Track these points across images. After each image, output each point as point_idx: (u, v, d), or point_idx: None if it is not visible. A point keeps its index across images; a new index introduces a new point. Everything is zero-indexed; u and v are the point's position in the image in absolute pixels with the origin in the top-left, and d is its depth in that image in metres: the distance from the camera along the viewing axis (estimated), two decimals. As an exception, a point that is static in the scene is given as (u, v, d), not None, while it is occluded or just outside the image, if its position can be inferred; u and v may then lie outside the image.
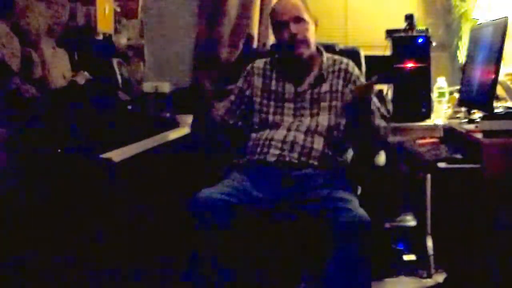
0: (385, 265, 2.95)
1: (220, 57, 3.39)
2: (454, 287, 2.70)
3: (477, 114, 2.55)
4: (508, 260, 2.11)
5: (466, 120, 2.58)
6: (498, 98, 2.73)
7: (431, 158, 2.31)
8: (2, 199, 1.66)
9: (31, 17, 2.22)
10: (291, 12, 2.33)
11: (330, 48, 2.58)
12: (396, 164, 2.72)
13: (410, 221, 3.09)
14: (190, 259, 2.09)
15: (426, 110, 3.03)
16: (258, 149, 2.30)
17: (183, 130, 2.80)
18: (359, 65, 2.65)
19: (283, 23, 2.33)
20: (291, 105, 2.37)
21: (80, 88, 2.37)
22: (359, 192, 2.32)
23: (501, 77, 2.59)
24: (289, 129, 2.31)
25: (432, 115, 3.04)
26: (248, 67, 2.49)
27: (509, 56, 2.92)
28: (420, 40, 3.05)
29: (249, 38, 3.40)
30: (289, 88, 2.39)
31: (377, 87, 3.11)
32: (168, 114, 2.90)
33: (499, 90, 2.69)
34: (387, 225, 3.07)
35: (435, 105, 3.07)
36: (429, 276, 2.95)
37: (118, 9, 3.02)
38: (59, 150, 1.88)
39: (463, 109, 2.82)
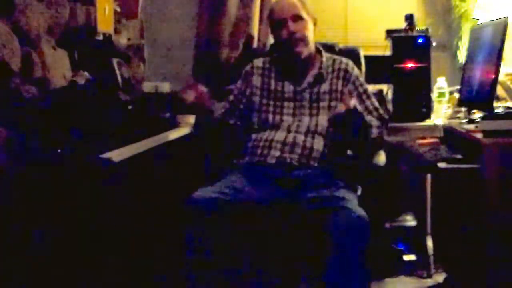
0: (385, 265, 2.94)
1: (220, 57, 3.39)
2: (454, 287, 2.70)
3: (477, 114, 2.55)
4: (508, 260, 2.11)
5: (466, 120, 2.58)
6: (498, 98, 2.73)
7: (431, 158, 2.31)
8: (2, 199, 1.66)
9: (31, 17, 2.22)
10: (289, 11, 2.33)
11: (330, 48, 2.58)
12: (396, 164, 2.72)
13: (410, 221, 3.09)
14: (187, 259, 2.09)
15: (426, 110, 3.03)
16: (258, 151, 2.30)
17: (183, 130, 2.80)
18: (358, 65, 2.65)
19: (282, 21, 2.33)
20: (291, 104, 2.37)
21: (80, 88, 2.37)
22: (359, 192, 2.32)
23: (501, 77, 2.59)
24: (289, 130, 2.31)
25: (432, 115, 3.04)
26: (248, 67, 2.49)
27: (509, 56, 2.92)
28: (420, 40, 3.05)
29: (249, 38, 3.40)
30: (288, 87, 2.39)
31: (377, 87, 3.12)
32: (168, 114, 2.89)
33: (499, 90, 2.69)
34: (387, 225, 3.06)
35: (435, 105, 3.07)
36: (429, 276, 2.95)
37: (118, 9, 3.02)
38: (59, 150, 1.88)
39: (463, 109, 2.82)
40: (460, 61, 3.37)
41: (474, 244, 2.30)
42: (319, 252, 2.05)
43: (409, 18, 3.11)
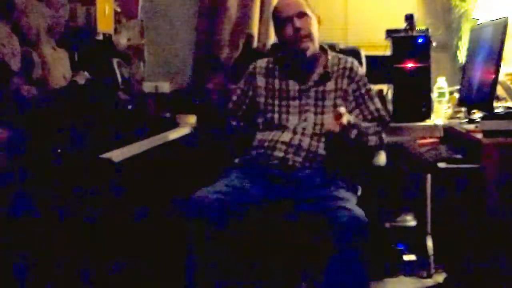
0: (385, 265, 2.95)
1: (220, 57, 3.39)
2: (454, 287, 2.70)
3: (477, 114, 2.55)
4: (508, 260, 2.11)
5: (466, 120, 2.58)
6: (498, 98, 2.73)
7: (431, 158, 2.31)
8: (2, 199, 1.66)
9: (31, 17, 2.22)
10: (294, 8, 2.33)
11: (330, 48, 2.58)
12: (396, 164, 2.72)
13: (410, 221, 3.09)
14: (187, 259, 2.09)
15: (426, 110, 3.03)
16: (262, 150, 2.29)
17: (183, 130, 2.80)
18: (359, 65, 2.64)
19: (287, 19, 2.33)
20: (296, 103, 2.37)
21: (80, 88, 2.37)
22: (359, 192, 2.32)
23: (501, 77, 2.59)
24: (295, 132, 2.30)
25: (432, 115, 3.04)
26: (250, 67, 2.49)
27: (509, 56, 2.92)
28: (420, 40, 3.05)
29: (249, 38, 3.40)
30: (293, 85, 2.39)
31: (377, 87, 3.12)
32: (168, 114, 2.90)
33: (499, 90, 2.69)
34: (387, 225, 3.06)
35: (435, 105, 3.07)
36: (429, 276, 2.95)
37: (118, 9, 3.02)
38: (59, 150, 1.88)
39: (463, 109, 2.82)
40: (460, 61, 3.36)
41: (474, 244, 2.30)
42: (319, 252, 2.05)
43: (409, 18, 3.10)
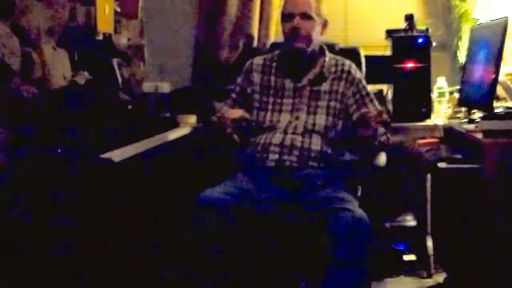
0: (385, 265, 2.95)
1: (220, 57, 3.39)
2: (454, 287, 2.70)
3: (477, 114, 2.55)
4: (508, 260, 2.11)
5: (466, 120, 2.58)
6: (498, 98, 2.73)
7: (431, 158, 2.31)
8: (2, 199, 1.66)
9: (31, 17, 2.22)
10: (299, 7, 2.34)
11: (330, 48, 2.58)
12: (396, 164, 2.72)
13: (410, 221, 3.09)
14: (192, 258, 2.10)
15: (426, 110, 3.03)
16: (258, 155, 2.29)
17: (183, 130, 2.80)
18: (359, 64, 2.64)
19: (289, 15, 2.34)
20: (290, 101, 2.37)
21: (80, 88, 2.37)
22: (359, 192, 2.32)
23: (501, 77, 2.59)
24: (286, 132, 2.30)
25: (432, 115, 3.04)
26: (247, 64, 2.49)
27: (509, 56, 2.92)
28: (420, 40, 3.05)
29: (249, 38, 3.40)
30: (289, 83, 2.39)
31: (377, 87, 3.12)
32: (168, 114, 2.90)
33: (499, 90, 2.69)
34: (387, 225, 3.06)
35: (435, 105, 3.07)
36: (429, 276, 2.95)
37: (118, 9, 3.02)
38: (59, 150, 1.88)
39: (463, 109, 2.82)
40: (460, 61, 3.36)
41: (474, 244, 2.30)
42: (320, 253, 2.05)
43: (409, 18, 3.11)
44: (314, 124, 2.31)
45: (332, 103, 2.35)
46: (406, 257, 3.02)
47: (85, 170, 1.86)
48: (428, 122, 3.01)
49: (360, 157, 2.37)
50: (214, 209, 2.05)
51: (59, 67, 2.41)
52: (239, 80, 2.48)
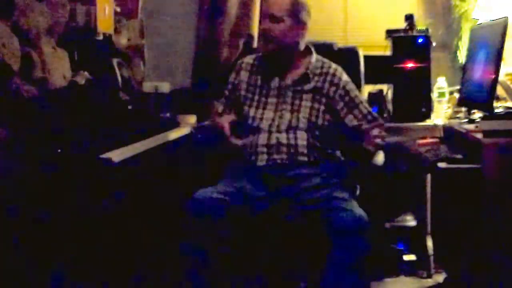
0: (385, 265, 2.94)
1: (220, 57, 3.39)
2: (454, 287, 2.70)
3: (477, 114, 2.55)
4: (508, 260, 2.11)
5: (466, 120, 2.57)
6: (498, 98, 2.72)
7: (431, 158, 2.31)
8: (2, 199, 1.66)
9: (31, 17, 2.22)
10: (268, 8, 2.35)
11: (328, 47, 2.57)
12: (396, 164, 2.72)
13: (410, 221, 3.09)
14: (188, 258, 2.10)
15: (426, 110, 3.03)
16: (247, 157, 2.30)
17: (183, 130, 2.80)
18: (357, 64, 2.64)
19: (262, 17, 2.38)
20: (274, 100, 2.37)
21: (80, 88, 2.37)
22: (357, 191, 2.32)
23: (501, 77, 2.59)
24: (270, 131, 2.31)
25: (432, 115, 3.04)
26: (238, 63, 2.51)
27: (509, 56, 2.92)
28: (420, 40, 3.05)
29: (249, 38, 3.40)
30: (274, 83, 2.39)
31: (377, 87, 3.12)
32: (168, 114, 2.90)
33: (499, 90, 2.69)
34: (387, 225, 3.06)
35: (435, 105, 3.07)
36: (429, 276, 2.95)
37: (118, 9, 3.02)
38: (59, 150, 1.88)
39: (463, 109, 2.82)
40: (460, 61, 3.36)
41: (474, 244, 2.30)
42: (319, 253, 2.05)
43: (409, 18, 3.11)
44: (298, 121, 2.31)
45: (316, 105, 2.34)
46: (406, 257, 3.02)
47: (85, 170, 1.86)
48: (428, 122, 3.01)
49: (354, 159, 2.37)
50: (206, 208, 2.06)
51: (59, 67, 2.41)
52: (230, 78, 2.49)
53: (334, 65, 2.43)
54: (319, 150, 2.29)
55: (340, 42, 2.83)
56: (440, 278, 2.91)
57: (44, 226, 1.74)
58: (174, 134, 2.68)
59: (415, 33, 3.08)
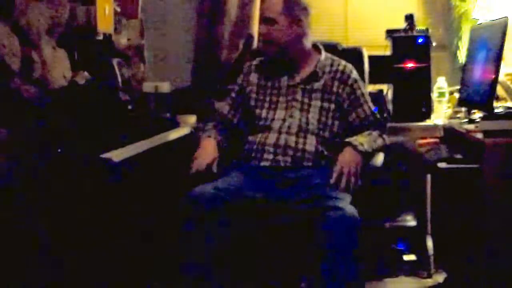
0: (385, 265, 2.95)
1: (220, 57, 3.39)
2: (454, 287, 2.70)
3: (477, 114, 2.55)
4: (508, 260, 2.11)
5: (466, 120, 2.57)
6: (498, 98, 2.72)
7: (431, 158, 2.31)
8: (2, 199, 1.66)
9: (31, 17, 2.22)
10: (263, 11, 2.38)
11: (332, 48, 2.57)
12: (396, 164, 2.72)
13: (410, 221, 3.09)
14: (185, 257, 2.10)
15: (426, 110, 3.03)
16: (253, 154, 2.31)
17: (183, 130, 2.80)
18: (361, 65, 2.65)
19: (260, 19, 2.39)
20: (284, 99, 2.38)
21: (80, 88, 2.37)
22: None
23: (501, 77, 2.59)
24: (280, 132, 2.31)
25: (432, 115, 3.04)
26: (247, 64, 2.52)
27: (509, 56, 2.92)
28: (420, 40, 3.05)
29: (249, 38, 3.40)
30: (283, 82, 2.40)
31: (377, 87, 3.12)
32: (168, 114, 2.90)
33: (499, 90, 2.69)
34: (387, 225, 3.06)
35: (435, 105, 3.07)
36: (429, 276, 2.95)
37: (118, 9, 3.02)
38: (59, 150, 1.88)
39: (463, 109, 2.82)
40: (460, 61, 3.36)
41: (474, 244, 2.30)
42: (314, 252, 2.06)
43: (409, 18, 3.11)
44: (307, 123, 2.31)
45: (326, 104, 2.35)
46: (406, 257, 3.02)
47: (85, 170, 1.86)
48: (428, 122, 3.01)
49: None
50: (202, 205, 2.06)
51: (59, 67, 2.41)
52: (239, 80, 2.50)
53: (343, 62, 2.43)
54: (325, 157, 2.29)
55: (340, 42, 2.83)
56: (440, 278, 2.91)
57: (44, 226, 1.74)
58: (174, 134, 2.68)
59: (415, 33, 3.08)
